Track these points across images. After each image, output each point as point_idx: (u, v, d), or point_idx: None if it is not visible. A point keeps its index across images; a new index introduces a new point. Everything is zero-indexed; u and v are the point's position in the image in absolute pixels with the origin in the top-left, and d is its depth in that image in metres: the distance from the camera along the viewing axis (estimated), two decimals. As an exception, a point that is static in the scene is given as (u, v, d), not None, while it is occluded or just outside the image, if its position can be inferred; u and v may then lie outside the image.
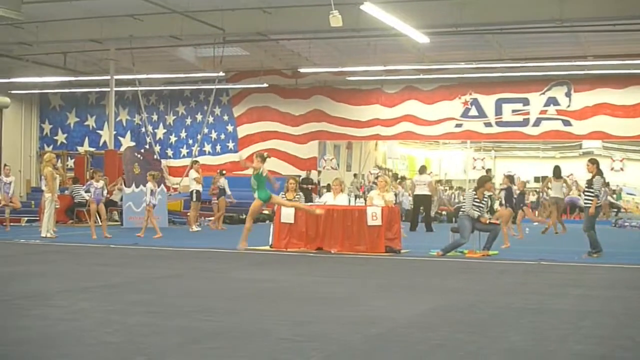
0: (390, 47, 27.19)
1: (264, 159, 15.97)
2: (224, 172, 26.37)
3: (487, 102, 31.83)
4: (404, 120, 32.55)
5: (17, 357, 6.06)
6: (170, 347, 6.50)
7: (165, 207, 24.81)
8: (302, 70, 30.12)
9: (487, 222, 15.88)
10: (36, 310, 8.28)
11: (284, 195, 17.67)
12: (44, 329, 7.26)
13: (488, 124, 31.94)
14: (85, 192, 22.63)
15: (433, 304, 9.24)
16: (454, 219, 27.92)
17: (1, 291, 9.86)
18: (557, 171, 22.94)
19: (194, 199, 23.56)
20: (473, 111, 31.99)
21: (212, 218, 25.79)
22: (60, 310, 8.29)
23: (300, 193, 18.33)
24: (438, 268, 13.90)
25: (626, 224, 28.59)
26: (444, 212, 33.14)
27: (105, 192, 20.75)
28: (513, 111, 31.58)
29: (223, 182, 25.25)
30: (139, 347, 6.45)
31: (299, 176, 28.18)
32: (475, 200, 15.75)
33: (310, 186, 29.93)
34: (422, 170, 26.44)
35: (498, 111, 31.73)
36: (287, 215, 16.72)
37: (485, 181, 16.22)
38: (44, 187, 20.68)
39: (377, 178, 22.39)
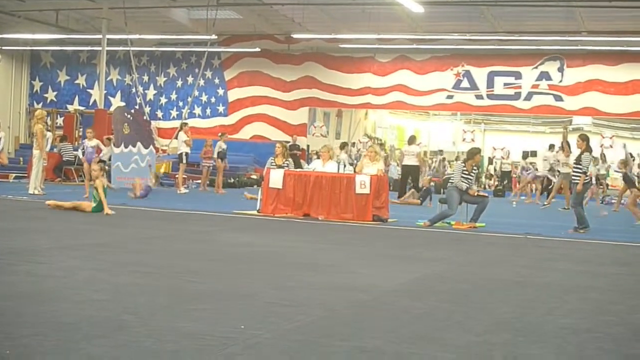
0: (385, 16, 27.09)
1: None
2: (225, 134, 26.40)
3: (479, 74, 31.80)
4: (395, 90, 32.52)
5: (2, 311, 6.05)
6: (157, 307, 6.50)
7: (154, 169, 24.75)
8: (295, 36, 30.04)
9: (475, 194, 15.93)
10: (23, 267, 8.26)
11: (272, 161, 17.64)
12: (31, 285, 7.25)
13: (479, 97, 31.94)
14: (76, 150, 22.65)
15: (419, 273, 9.28)
16: (442, 191, 27.98)
17: (-12, 246, 9.85)
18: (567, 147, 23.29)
19: (183, 161, 23.51)
20: (465, 83, 31.97)
21: (199, 181, 25.78)
22: (48, 267, 8.28)
23: (290, 159, 18.33)
24: (425, 238, 13.95)
25: (613, 201, 28.68)
26: (432, 184, 33.19)
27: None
28: (505, 84, 31.58)
29: (224, 145, 25.24)
30: (126, 306, 6.46)
31: (288, 142, 28.16)
32: (464, 172, 15.79)
33: (297, 152, 29.91)
34: (412, 140, 26.43)
35: (490, 84, 31.73)
36: (276, 180, 16.72)
37: (474, 154, 16.23)
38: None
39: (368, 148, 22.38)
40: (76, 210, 15.02)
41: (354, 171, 17.25)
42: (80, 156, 23.09)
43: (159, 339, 5.44)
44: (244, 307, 6.68)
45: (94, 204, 14.91)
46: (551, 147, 27.19)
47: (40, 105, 34.71)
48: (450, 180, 16.48)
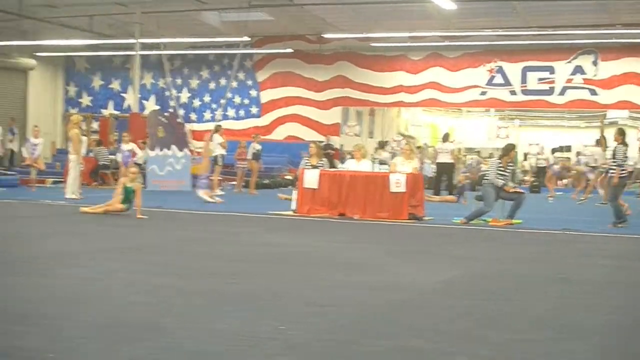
0: (416, 14, 26.96)
1: None
2: (259, 135, 26.47)
3: (513, 70, 31.56)
4: (428, 88, 32.35)
5: (43, 315, 6.10)
6: (196, 309, 6.53)
7: (189, 171, 24.85)
8: (326, 35, 29.96)
9: (511, 190, 15.82)
10: (63, 270, 8.34)
11: (307, 161, 17.65)
12: (72, 288, 7.32)
13: (513, 92, 31.69)
14: (112, 154, 22.84)
15: (457, 271, 9.24)
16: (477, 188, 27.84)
17: (28, 251, 9.95)
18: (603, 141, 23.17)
19: (218, 163, 23.58)
20: (498, 79, 31.74)
21: (234, 182, 25.85)
22: (86, 270, 8.35)
23: (325, 159, 18.33)
24: (461, 236, 13.88)
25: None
26: (467, 181, 33.02)
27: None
28: (539, 79, 31.29)
29: (258, 146, 25.29)
30: (164, 308, 6.49)
31: (322, 142, 28.12)
32: (500, 168, 15.70)
33: (331, 151, 29.86)
34: (446, 137, 26.34)
35: (523, 79, 31.45)
36: (311, 180, 16.72)
37: (509, 150, 16.15)
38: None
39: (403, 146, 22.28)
40: (109, 212, 15.11)
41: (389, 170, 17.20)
42: (119, 160, 23.21)
43: (199, 341, 5.46)
44: (283, 307, 6.69)
45: (121, 197, 15.04)
46: (598, 142, 26.86)
47: (75, 110, 34.95)
48: (485, 177, 16.38)
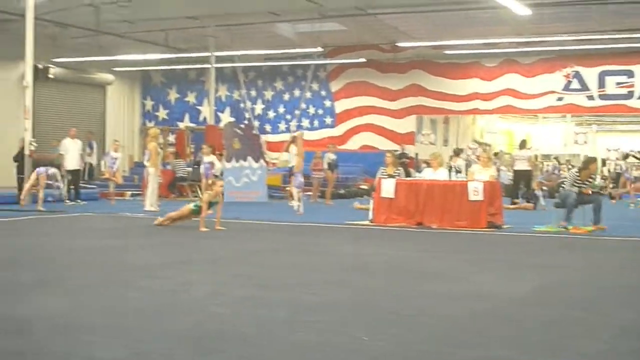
0: (489, 20, 26.72)
1: None
2: (335, 146, 26.50)
3: (590, 74, 31.05)
4: (503, 94, 32.02)
5: (126, 327, 6.17)
6: (278, 320, 6.54)
7: (265, 182, 24.99)
8: (400, 44, 29.89)
9: (590, 192, 15.58)
10: (145, 282, 8.43)
11: (384, 170, 17.60)
12: (153, 300, 7.39)
13: (590, 97, 31.17)
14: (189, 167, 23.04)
15: (540, 280, 9.09)
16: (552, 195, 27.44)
17: (110, 263, 10.08)
18: None
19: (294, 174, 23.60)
20: (575, 84, 31.25)
21: (310, 193, 25.90)
22: (169, 282, 8.42)
23: (401, 168, 18.26)
24: (542, 244, 13.68)
25: None
26: (544, 188, 32.59)
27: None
28: (617, 84, 30.74)
29: (333, 156, 25.31)
30: (247, 319, 6.52)
31: (397, 151, 28.01)
32: (577, 181, 15.50)
33: (406, 160, 29.74)
34: (523, 144, 26.01)
35: (601, 84, 30.93)
36: (387, 190, 16.65)
37: (589, 163, 15.94)
38: (146, 162, 21.09)
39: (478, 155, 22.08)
40: (181, 219, 15.23)
41: (466, 178, 17.04)
42: (201, 172, 23.33)
43: (282, 351, 5.46)
44: (364, 317, 6.66)
45: (193, 207, 15.14)
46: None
47: (152, 124, 35.43)
48: (561, 186, 16.15)
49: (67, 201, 22.30)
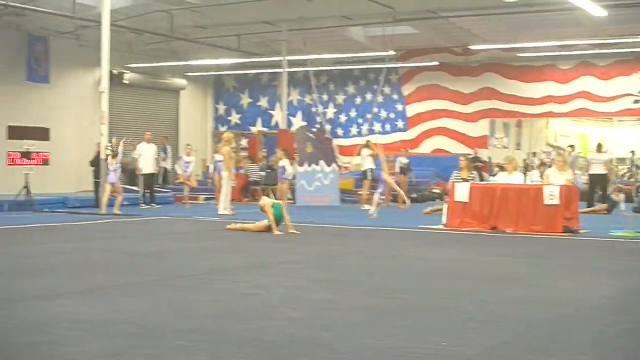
0: (565, 22, 26.40)
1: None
2: (408, 150, 26.41)
3: (669, 77, 30.46)
4: (578, 97, 31.54)
5: (204, 330, 6.21)
6: (355, 324, 6.52)
7: (337, 186, 24.99)
8: (473, 47, 29.68)
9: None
10: (222, 285, 8.49)
11: (457, 174, 17.46)
12: (231, 304, 7.43)
13: (669, 100, 30.56)
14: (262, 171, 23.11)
15: (618, 286, 8.92)
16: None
17: (188, 266, 10.18)
18: None
19: (367, 178, 23.59)
20: (652, 86, 30.67)
21: (383, 197, 25.81)
22: (245, 286, 8.47)
23: (475, 172, 18.10)
24: (620, 249, 13.44)
25: None
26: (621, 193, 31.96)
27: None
28: (696, 85, 30.08)
29: (405, 160, 25.22)
30: (323, 324, 6.51)
31: (470, 155, 27.78)
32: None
33: (479, 165, 29.47)
34: (599, 148, 25.58)
35: (680, 86, 30.29)
36: (462, 194, 16.52)
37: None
38: (209, 163, 21.45)
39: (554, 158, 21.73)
40: (255, 231, 15.30)
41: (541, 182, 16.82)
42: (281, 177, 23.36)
43: (360, 356, 5.44)
44: (443, 322, 6.60)
45: (267, 224, 15.15)
46: None
47: (225, 129, 35.74)
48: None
49: (143, 205, 22.61)
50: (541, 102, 32.07)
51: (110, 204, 20.52)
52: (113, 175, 20.52)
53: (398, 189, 21.28)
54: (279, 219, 15.05)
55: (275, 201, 15.74)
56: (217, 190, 22.36)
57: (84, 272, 9.46)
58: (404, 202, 22.14)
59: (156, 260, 10.74)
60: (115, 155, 20.71)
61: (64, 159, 27.26)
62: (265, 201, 15.54)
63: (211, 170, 23.23)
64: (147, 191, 23.14)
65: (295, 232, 14.82)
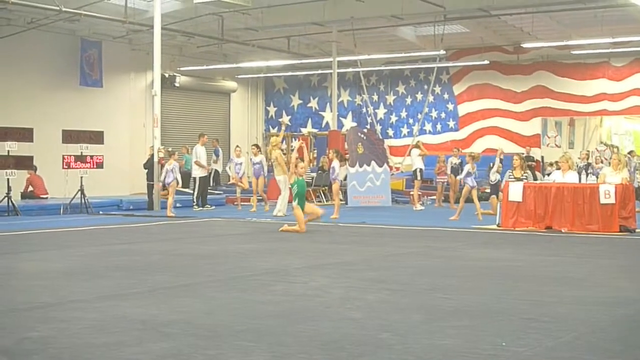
0: (618, 18, 26.06)
1: None
2: (460, 150, 26.28)
3: None
4: (633, 95, 31.11)
5: (263, 331, 6.23)
6: (413, 325, 6.50)
7: (389, 187, 24.95)
8: (524, 45, 29.43)
9: None
10: (278, 286, 8.52)
11: (511, 174, 17.33)
12: (289, 304, 7.46)
13: None
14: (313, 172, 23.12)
15: (681, 285, 8.79)
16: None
17: (244, 267, 10.23)
18: None
19: (417, 178, 23.51)
20: None
21: (434, 197, 25.74)
22: (301, 287, 8.50)
23: (528, 171, 17.95)
24: (679, 248, 13.24)
25: None
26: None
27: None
28: None
29: (456, 160, 25.08)
30: (382, 324, 6.50)
31: (523, 154, 27.55)
32: None
33: (532, 164, 29.22)
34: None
35: None
36: (515, 193, 16.39)
37: None
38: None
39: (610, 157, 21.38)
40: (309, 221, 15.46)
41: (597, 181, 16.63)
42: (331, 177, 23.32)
43: (421, 357, 5.43)
44: (501, 323, 6.56)
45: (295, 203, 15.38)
46: None
47: (275, 130, 35.89)
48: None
49: (195, 207, 22.76)
50: (594, 100, 31.69)
51: (163, 206, 20.75)
52: (171, 175, 20.81)
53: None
54: (302, 199, 15.23)
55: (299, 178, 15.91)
56: (254, 192, 22.50)
57: (143, 273, 9.56)
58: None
59: (212, 261, 10.81)
60: (172, 154, 21.07)
61: (117, 162, 27.55)
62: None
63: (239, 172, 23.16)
64: (200, 193, 23.26)
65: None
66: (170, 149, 21.41)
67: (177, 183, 21.30)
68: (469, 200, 19.20)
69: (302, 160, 16.86)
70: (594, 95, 31.60)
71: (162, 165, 22.06)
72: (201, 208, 22.72)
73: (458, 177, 20.92)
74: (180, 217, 19.75)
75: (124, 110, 30.15)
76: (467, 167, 19.43)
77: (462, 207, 19.05)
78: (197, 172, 23.26)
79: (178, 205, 22.18)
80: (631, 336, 6.16)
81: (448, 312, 7.04)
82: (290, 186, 15.86)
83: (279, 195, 20.36)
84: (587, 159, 27.44)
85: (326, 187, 25.01)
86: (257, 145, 23.24)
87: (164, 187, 21.39)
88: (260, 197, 22.64)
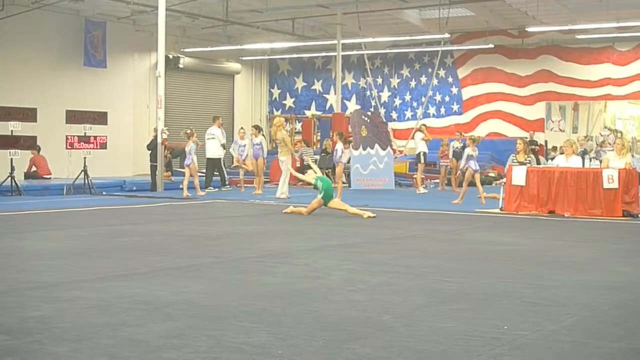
0: (624, 2, 25.96)
1: None
2: (462, 134, 26.23)
3: None
4: (637, 80, 31.03)
5: (267, 312, 6.25)
6: (414, 307, 6.52)
7: (392, 170, 24.94)
8: (529, 29, 29.32)
9: None
10: (281, 268, 8.54)
11: (514, 158, 17.31)
12: (291, 286, 7.47)
13: None
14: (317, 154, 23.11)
15: (683, 270, 8.80)
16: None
17: (247, 249, 10.26)
18: None
19: (421, 161, 23.50)
20: None
21: (437, 180, 25.73)
22: (304, 268, 8.51)
23: (532, 155, 17.92)
24: (682, 233, 13.24)
25: None
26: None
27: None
28: None
29: (458, 144, 25.03)
30: (384, 307, 6.52)
31: (526, 138, 27.50)
32: None
33: (536, 148, 29.17)
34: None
35: None
36: (518, 177, 16.39)
37: None
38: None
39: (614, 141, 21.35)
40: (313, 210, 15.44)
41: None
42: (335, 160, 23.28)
43: (422, 340, 5.43)
44: (503, 306, 6.57)
45: (319, 196, 15.30)
46: None
47: (279, 112, 35.87)
48: None
49: (227, 187, 22.84)
50: (598, 85, 31.61)
51: (165, 187, 20.77)
52: (189, 157, 20.85)
53: None
54: (328, 194, 15.22)
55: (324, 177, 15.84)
56: (255, 174, 22.45)
57: (146, 254, 9.57)
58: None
59: (215, 243, 10.82)
60: (192, 135, 21.09)
61: (121, 143, 27.57)
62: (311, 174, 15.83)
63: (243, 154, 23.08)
64: (215, 174, 23.23)
65: (370, 215, 14.91)
66: (189, 130, 21.34)
67: (194, 165, 21.28)
68: (472, 184, 19.19)
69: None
70: (598, 80, 31.51)
71: (166, 147, 22.06)
72: (217, 189, 22.73)
73: (460, 162, 20.82)
74: (184, 198, 19.80)
75: (128, 91, 30.12)
76: (467, 151, 19.43)
77: (464, 191, 19.04)
78: (219, 153, 23.16)
79: (181, 187, 22.21)
80: (632, 320, 6.17)
81: (450, 295, 7.05)
82: (314, 184, 15.75)
83: (280, 176, 20.34)
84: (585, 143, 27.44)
85: (329, 170, 24.96)
86: (256, 127, 23.19)
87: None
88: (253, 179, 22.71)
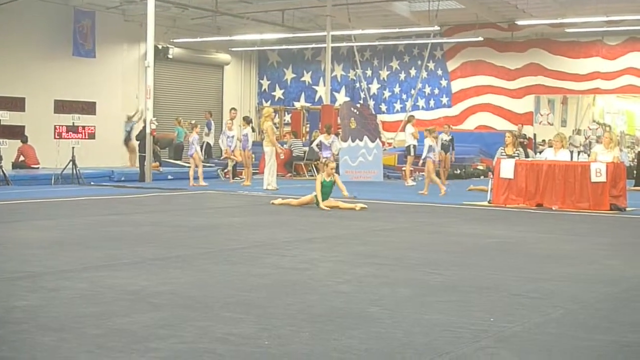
0: (613, -3, 26.03)
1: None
2: (450, 126, 26.27)
3: None
4: (626, 74, 31.08)
5: (253, 304, 6.25)
6: (401, 299, 6.54)
7: (381, 162, 24.96)
8: (519, 22, 29.34)
9: None
10: (268, 259, 8.54)
11: (503, 151, 17.33)
12: (278, 277, 7.48)
13: None
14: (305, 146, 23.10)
15: (669, 264, 8.83)
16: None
17: (234, 240, 10.25)
18: None
19: (410, 154, 23.51)
20: (702, 62, 30.14)
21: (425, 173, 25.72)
22: (290, 260, 8.52)
23: (520, 149, 17.95)
24: (669, 227, 13.29)
25: None
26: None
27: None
28: None
29: (446, 137, 25.06)
30: (370, 298, 6.53)
31: (515, 131, 27.54)
32: None
33: (524, 140, 29.21)
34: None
35: None
36: (507, 170, 16.41)
37: None
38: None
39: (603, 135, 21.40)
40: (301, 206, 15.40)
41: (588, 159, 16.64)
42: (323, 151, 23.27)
43: (408, 331, 5.45)
44: (490, 298, 6.59)
45: (314, 196, 15.26)
46: None
47: (268, 103, 35.79)
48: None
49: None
50: (587, 79, 31.65)
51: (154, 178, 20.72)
52: (192, 148, 20.95)
53: None
54: (324, 195, 15.18)
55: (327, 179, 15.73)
56: (260, 164, 22.44)
57: (133, 244, 9.56)
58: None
59: (203, 234, 10.82)
60: (195, 126, 21.21)
61: (109, 133, 27.46)
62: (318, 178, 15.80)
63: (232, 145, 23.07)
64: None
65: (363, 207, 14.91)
66: (193, 122, 21.47)
67: (198, 155, 21.38)
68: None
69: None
70: (587, 74, 31.55)
71: (154, 137, 22.03)
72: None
73: (422, 156, 20.88)
74: (171, 189, 19.76)
75: (117, 81, 30.03)
76: (426, 142, 19.64)
77: (429, 182, 19.31)
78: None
79: (170, 177, 22.19)
80: (619, 313, 6.19)
81: (437, 287, 7.07)
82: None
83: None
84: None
85: (317, 162, 24.96)
86: (246, 118, 23.23)
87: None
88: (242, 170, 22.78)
